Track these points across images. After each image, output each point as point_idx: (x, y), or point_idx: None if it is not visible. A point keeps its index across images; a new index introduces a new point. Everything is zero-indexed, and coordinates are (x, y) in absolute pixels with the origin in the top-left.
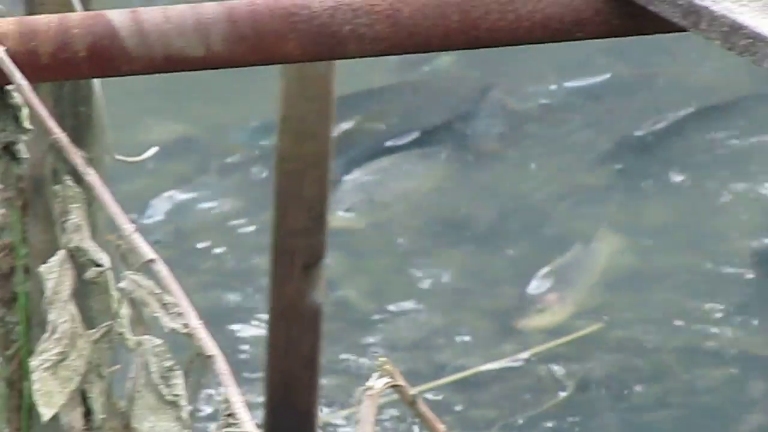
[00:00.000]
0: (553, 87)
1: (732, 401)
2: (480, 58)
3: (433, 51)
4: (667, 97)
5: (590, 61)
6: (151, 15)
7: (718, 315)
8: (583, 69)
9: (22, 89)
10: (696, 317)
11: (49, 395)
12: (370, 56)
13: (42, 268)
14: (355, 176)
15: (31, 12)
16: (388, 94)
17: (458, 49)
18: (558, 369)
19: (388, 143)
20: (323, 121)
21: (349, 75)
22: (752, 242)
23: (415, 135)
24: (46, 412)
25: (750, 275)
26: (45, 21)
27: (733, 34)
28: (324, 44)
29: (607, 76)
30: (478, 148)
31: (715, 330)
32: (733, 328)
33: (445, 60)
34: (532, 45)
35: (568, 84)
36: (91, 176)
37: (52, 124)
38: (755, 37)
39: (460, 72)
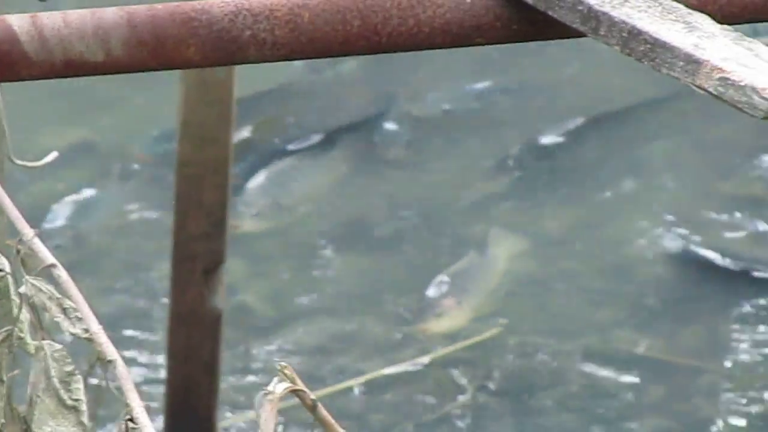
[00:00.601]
0: (455, 92)
1: (631, 406)
2: (384, 62)
3: (334, 56)
4: (566, 102)
5: (492, 66)
6: (51, 19)
7: (617, 319)
8: (485, 74)
9: None
10: (594, 321)
11: None
12: (271, 61)
13: None
14: (260, 180)
15: None
16: (289, 98)
17: (359, 54)
18: (457, 373)
19: (290, 147)
20: (223, 126)
21: (251, 77)
22: (649, 247)
23: (317, 139)
24: None
25: (647, 280)
26: None
27: (632, 39)
28: (224, 49)
29: (508, 81)
30: (380, 153)
31: (613, 334)
32: (631, 332)
33: (349, 64)
34: (434, 50)
35: (470, 89)
36: None
37: None
38: (654, 43)
39: (364, 76)
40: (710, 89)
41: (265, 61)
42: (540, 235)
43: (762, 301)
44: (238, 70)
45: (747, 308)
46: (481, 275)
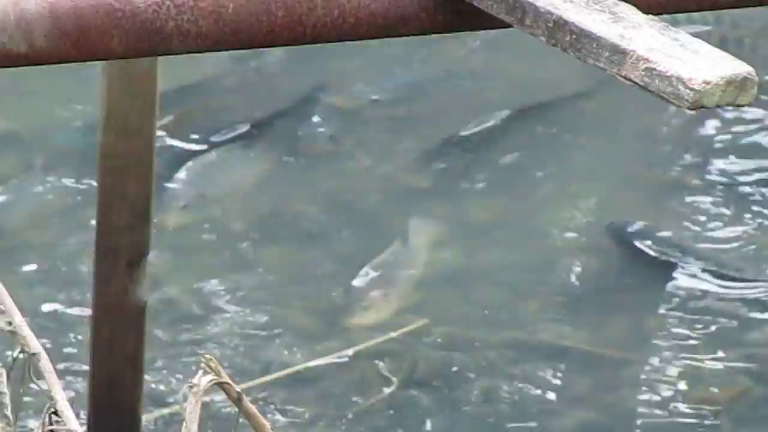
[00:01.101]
0: (383, 83)
1: (557, 397)
2: (311, 53)
3: (258, 47)
4: (492, 93)
5: (419, 56)
6: None
7: (542, 310)
8: (412, 64)
9: None
10: (521, 313)
11: None
12: (195, 52)
13: None
14: (187, 172)
15: None
16: (214, 89)
17: (284, 45)
18: (383, 365)
19: (215, 139)
20: (147, 117)
21: (175, 68)
22: (573, 238)
23: (242, 131)
24: None
25: (573, 271)
26: None
27: (557, 30)
28: (147, 41)
29: (436, 71)
30: (306, 145)
31: (539, 325)
32: (557, 323)
33: (275, 55)
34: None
35: (398, 79)
36: None
37: None
38: (580, 33)
39: (291, 67)
40: (636, 80)
41: (189, 52)
42: (464, 226)
43: (688, 291)
44: (163, 60)
45: (673, 298)
46: (406, 266)
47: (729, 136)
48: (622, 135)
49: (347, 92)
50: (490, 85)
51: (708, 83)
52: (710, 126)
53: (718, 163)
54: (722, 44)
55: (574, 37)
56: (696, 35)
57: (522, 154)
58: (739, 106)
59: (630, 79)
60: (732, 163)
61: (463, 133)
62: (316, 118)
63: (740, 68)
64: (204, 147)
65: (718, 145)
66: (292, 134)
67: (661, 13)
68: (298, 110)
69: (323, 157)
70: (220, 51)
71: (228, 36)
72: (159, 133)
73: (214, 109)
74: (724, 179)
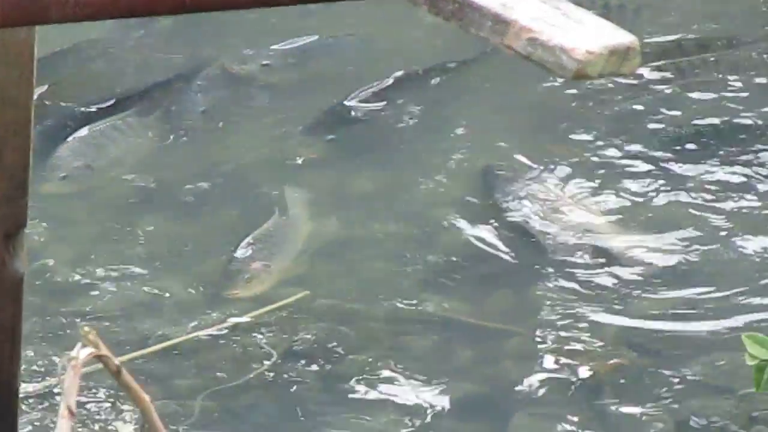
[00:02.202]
0: (269, 52)
1: (439, 369)
2: (200, 21)
3: (138, 16)
4: (376, 62)
5: (302, 24)
6: None
7: (424, 283)
8: (296, 33)
9: None
10: (401, 285)
11: None
12: (74, 21)
13: None
14: (69, 143)
15: None
16: (95, 57)
17: (165, 14)
18: (264, 338)
19: (97, 108)
20: (24, 87)
21: (53, 33)
22: (456, 211)
23: (125, 101)
24: None
25: (455, 244)
26: None
27: None
28: (25, 9)
29: (319, 38)
30: (191, 116)
31: (420, 297)
32: (438, 295)
33: (164, 22)
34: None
35: (283, 48)
36: None
37: None
38: (462, 2)
39: (177, 35)
40: (519, 50)
41: (68, 21)
42: (347, 197)
43: (569, 266)
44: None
45: (554, 271)
46: (288, 238)
47: (605, 108)
48: (509, 103)
49: (237, 60)
50: (377, 50)
51: (591, 53)
52: (594, 98)
53: (599, 133)
54: (605, 11)
55: (456, 6)
56: (579, 3)
57: (406, 124)
58: (622, 75)
59: (513, 49)
60: (608, 133)
61: (348, 102)
62: (203, 88)
63: (624, 38)
64: (86, 118)
65: (597, 114)
66: (178, 105)
67: None
68: (183, 79)
69: (208, 129)
70: (99, 20)
71: (107, 5)
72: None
73: (96, 77)
74: (600, 150)
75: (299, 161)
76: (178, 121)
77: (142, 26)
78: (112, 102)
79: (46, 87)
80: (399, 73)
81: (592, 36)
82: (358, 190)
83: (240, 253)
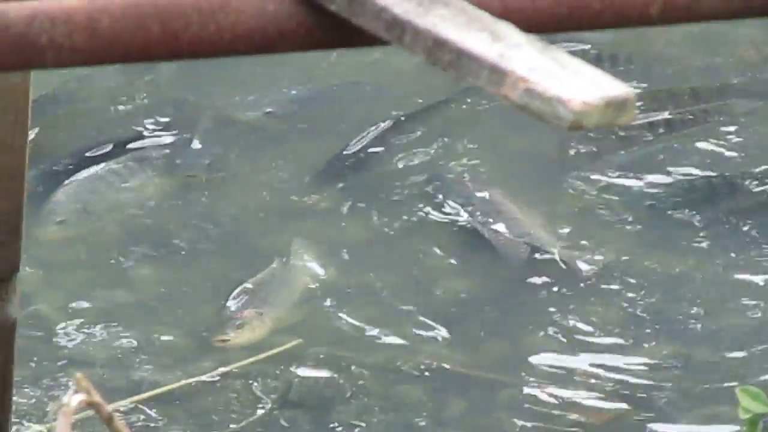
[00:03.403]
0: (272, 100)
1: (432, 419)
2: (202, 67)
3: (134, 62)
4: (380, 108)
5: (305, 72)
6: None
7: (419, 332)
8: (299, 81)
9: None
10: (396, 334)
11: None
12: (69, 67)
13: None
14: (66, 187)
15: None
16: (92, 102)
17: (160, 60)
18: (257, 385)
19: (92, 154)
20: (19, 132)
21: (49, 77)
22: (451, 259)
23: (125, 146)
24: None
25: (450, 293)
26: None
27: (437, 48)
28: (21, 54)
29: (323, 86)
30: (189, 164)
31: (414, 348)
32: (432, 345)
33: (166, 69)
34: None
35: (286, 96)
36: None
37: None
38: (459, 52)
39: (181, 80)
40: (516, 100)
41: (63, 66)
42: (344, 248)
43: (563, 311)
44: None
45: (549, 318)
46: (283, 287)
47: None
48: (504, 141)
49: (241, 106)
50: (383, 96)
51: (588, 104)
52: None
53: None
54: (597, 60)
55: (453, 56)
56: (572, 52)
57: (402, 167)
58: (616, 126)
59: (510, 99)
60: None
61: (348, 151)
62: (201, 136)
63: (620, 90)
64: (82, 163)
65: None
66: (176, 152)
67: (541, 33)
68: (185, 125)
69: (210, 176)
70: (94, 65)
71: (103, 50)
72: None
73: (93, 120)
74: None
75: (302, 211)
76: (175, 169)
77: (144, 71)
78: (110, 147)
79: (37, 129)
80: (399, 115)
81: (588, 87)
82: (353, 238)
83: (233, 300)
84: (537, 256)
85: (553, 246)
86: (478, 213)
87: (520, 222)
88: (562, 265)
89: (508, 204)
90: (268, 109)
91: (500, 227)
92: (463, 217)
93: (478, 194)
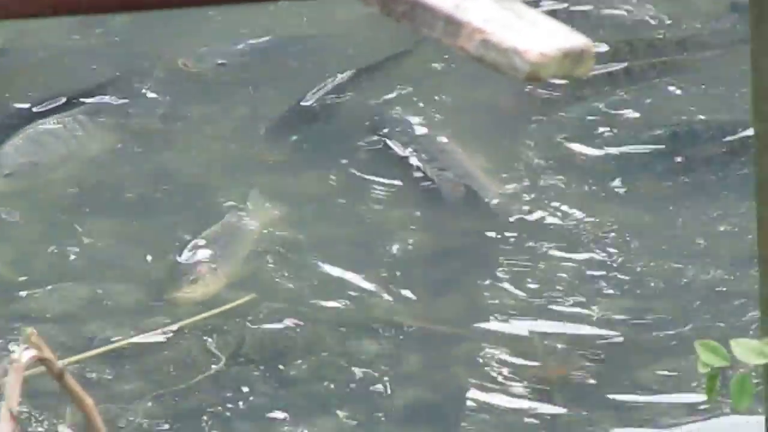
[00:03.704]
0: (225, 51)
1: (387, 374)
2: (152, 20)
3: (62, 15)
4: (334, 60)
5: (258, 23)
6: None
7: (373, 287)
8: (252, 32)
9: None
10: (350, 289)
11: None
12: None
13: None
14: (14, 140)
15: None
16: (42, 53)
17: (88, 13)
18: (210, 341)
19: (46, 106)
20: None
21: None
22: (408, 212)
23: (78, 99)
24: None
25: (406, 248)
26: None
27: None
28: None
29: (276, 37)
30: (142, 115)
31: (370, 302)
32: (387, 300)
33: (119, 21)
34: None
35: (240, 47)
36: None
37: None
38: (414, 3)
39: (131, 33)
40: (472, 51)
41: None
42: (299, 201)
43: (523, 265)
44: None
45: (508, 274)
46: (237, 240)
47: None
48: (462, 93)
49: (193, 57)
50: (336, 48)
51: (545, 55)
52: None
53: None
54: (569, 18)
55: (407, 6)
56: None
57: (360, 121)
58: (574, 77)
59: (466, 51)
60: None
61: (303, 103)
62: (155, 87)
63: (578, 41)
64: (33, 115)
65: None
66: (127, 103)
67: None
68: (137, 78)
69: (160, 127)
70: (23, 18)
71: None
72: None
73: (44, 74)
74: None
75: (257, 164)
76: (134, 121)
77: (96, 24)
78: (62, 100)
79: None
80: (358, 65)
81: (545, 38)
82: (309, 191)
83: (186, 254)
84: (489, 207)
85: (489, 191)
86: (423, 153)
87: (461, 164)
88: (497, 213)
89: (453, 147)
90: (220, 61)
91: (440, 165)
92: (412, 159)
93: (425, 135)
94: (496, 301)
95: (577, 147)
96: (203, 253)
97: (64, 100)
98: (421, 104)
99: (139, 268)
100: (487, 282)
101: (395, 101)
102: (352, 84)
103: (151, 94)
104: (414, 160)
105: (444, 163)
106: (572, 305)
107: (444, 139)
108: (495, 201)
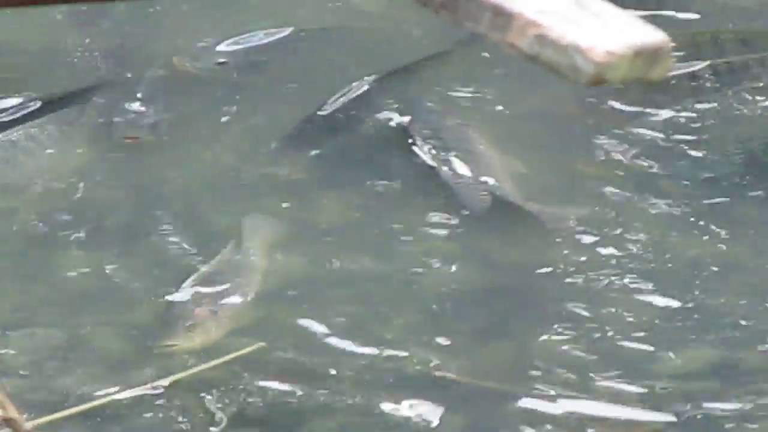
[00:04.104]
0: (227, 47)
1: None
2: (148, 15)
3: (29, 5)
4: (352, 59)
5: (264, 15)
6: None
7: (404, 332)
8: (257, 26)
9: None
10: (377, 334)
11: None
12: None
13: None
14: None
15: None
16: (35, 53)
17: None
18: (210, 399)
19: (13, 114)
20: None
21: None
22: (442, 242)
23: (55, 104)
24: None
25: (445, 285)
26: None
27: None
28: None
29: (288, 32)
30: (132, 125)
31: (400, 350)
32: (421, 348)
33: (109, 16)
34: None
35: (241, 46)
36: None
37: None
38: None
39: (122, 29)
40: (524, 48)
41: None
42: (315, 227)
43: (577, 300)
44: None
45: (563, 316)
46: (242, 276)
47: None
48: (512, 99)
49: (190, 55)
50: (356, 44)
51: (612, 54)
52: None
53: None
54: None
55: None
56: None
57: (389, 134)
58: (648, 81)
59: (517, 48)
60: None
61: (323, 111)
62: (150, 90)
63: (652, 36)
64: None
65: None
66: (115, 109)
67: None
68: (125, 81)
69: (154, 141)
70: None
71: None
72: None
73: (23, 76)
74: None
75: (265, 183)
76: (118, 131)
77: (95, 24)
78: (36, 105)
79: None
80: (384, 71)
81: (613, 33)
82: (327, 217)
83: (182, 294)
84: (540, 232)
85: (520, 199)
86: (464, 169)
87: (491, 170)
88: (544, 224)
89: (494, 160)
90: (222, 59)
91: (465, 170)
92: (450, 176)
93: (468, 151)
94: (553, 350)
95: (650, 164)
96: (202, 293)
97: (39, 104)
98: (462, 114)
99: (123, 310)
100: (542, 326)
101: (431, 111)
102: (380, 89)
103: (140, 99)
104: (451, 177)
105: (481, 173)
106: (643, 355)
107: (488, 153)
108: (544, 219)
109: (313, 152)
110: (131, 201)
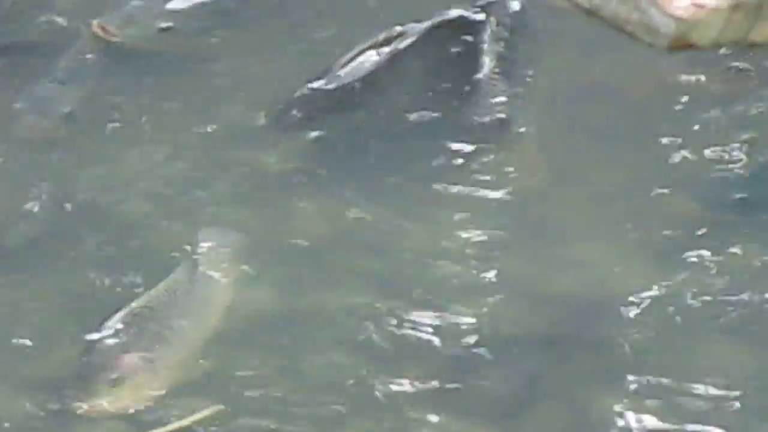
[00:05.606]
0: (166, 10)
1: None
2: None
3: None
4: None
5: None
6: None
7: (417, 393)
8: None
9: None
10: (379, 395)
11: None
12: None
13: None
14: None
15: None
16: None
17: None
18: None
19: None
20: None
21: None
22: (462, 267)
23: None
24: None
25: (470, 328)
26: None
27: None
28: None
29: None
30: (49, 117)
31: (410, 418)
32: (438, 416)
33: None
34: None
35: (187, 5)
36: None
37: None
38: None
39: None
40: (583, 3)
41: None
42: (284, 245)
43: (646, 365)
44: None
45: (627, 376)
46: (189, 312)
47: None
48: (561, 73)
49: (120, 21)
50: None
51: (700, 7)
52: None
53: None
54: None
55: None
56: None
57: (404, 112)
58: (751, 45)
59: (576, 4)
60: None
61: (317, 83)
62: (70, 69)
63: None
64: None
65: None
66: (22, 93)
67: None
68: (40, 55)
69: (73, 135)
70: None
71: None
72: None
73: None
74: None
75: (213, 187)
76: (25, 120)
77: None
78: None
79: None
80: (389, 31)
81: None
82: (300, 233)
83: (108, 335)
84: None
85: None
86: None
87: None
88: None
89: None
90: (164, 24)
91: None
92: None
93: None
94: (614, 415)
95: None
96: (134, 334)
97: None
98: (504, 86)
99: (32, 358)
100: (597, 384)
101: (452, 83)
102: (386, 60)
103: (57, 81)
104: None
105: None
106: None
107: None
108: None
109: (293, 140)
110: (42, 213)
